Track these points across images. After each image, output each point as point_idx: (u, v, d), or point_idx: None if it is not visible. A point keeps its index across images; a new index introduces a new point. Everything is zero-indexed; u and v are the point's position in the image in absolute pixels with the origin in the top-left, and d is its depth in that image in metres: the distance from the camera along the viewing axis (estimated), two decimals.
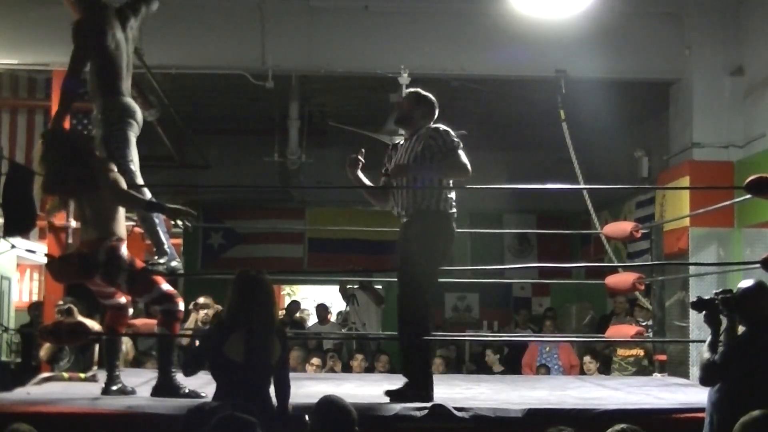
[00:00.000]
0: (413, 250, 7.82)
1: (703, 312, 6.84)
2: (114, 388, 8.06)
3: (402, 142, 8.13)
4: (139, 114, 8.23)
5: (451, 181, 7.94)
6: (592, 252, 15.97)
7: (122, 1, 8.55)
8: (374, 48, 12.84)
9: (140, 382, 8.52)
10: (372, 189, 8.36)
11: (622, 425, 4.70)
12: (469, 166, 7.81)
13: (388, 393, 7.63)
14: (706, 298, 6.81)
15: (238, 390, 6.22)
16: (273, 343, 6.41)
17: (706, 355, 6.63)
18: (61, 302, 10.59)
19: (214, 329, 7.03)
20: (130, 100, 8.21)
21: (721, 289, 6.77)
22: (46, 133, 8.29)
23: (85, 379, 9.15)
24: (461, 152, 7.80)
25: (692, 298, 11.63)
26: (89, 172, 7.77)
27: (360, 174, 8.25)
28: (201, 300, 12.54)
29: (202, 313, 12.38)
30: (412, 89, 8.26)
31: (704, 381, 6.65)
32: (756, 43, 12.24)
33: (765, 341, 6.52)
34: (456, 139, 7.82)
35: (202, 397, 7.52)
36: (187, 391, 7.81)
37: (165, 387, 7.87)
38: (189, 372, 7.03)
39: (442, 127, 7.91)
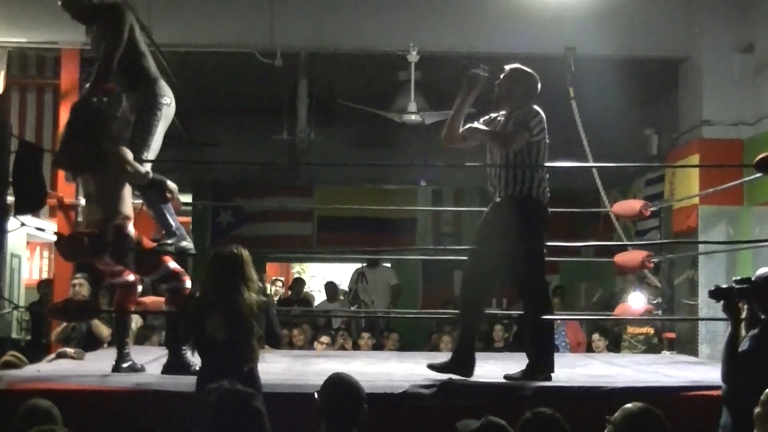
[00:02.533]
0: (506, 233, 7.78)
1: (721, 301, 6.59)
2: (124, 365, 8.10)
3: (500, 118, 8.07)
4: (173, 101, 8.25)
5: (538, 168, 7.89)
6: (601, 230, 15.96)
7: None
8: (383, 26, 12.84)
9: (149, 360, 8.56)
10: (460, 137, 8.19)
11: (639, 404, 4.68)
12: (512, 143, 7.79)
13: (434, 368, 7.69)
14: (724, 286, 6.54)
15: (222, 367, 6.22)
16: (255, 319, 6.42)
17: (728, 349, 6.37)
18: (78, 276, 10.63)
19: (192, 307, 7.01)
20: (165, 85, 8.24)
21: (739, 277, 6.64)
22: (74, 104, 8.34)
23: (73, 356, 9.16)
24: (524, 132, 7.76)
25: (701, 277, 11.76)
26: (99, 149, 7.80)
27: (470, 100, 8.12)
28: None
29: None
30: (513, 66, 8.15)
31: (727, 377, 6.36)
32: (766, 21, 12.21)
33: None
34: (534, 123, 7.80)
35: None
36: (197, 368, 7.83)
37: (175, 365, 7.90)
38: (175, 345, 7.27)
39: (535, 109, 7.89)
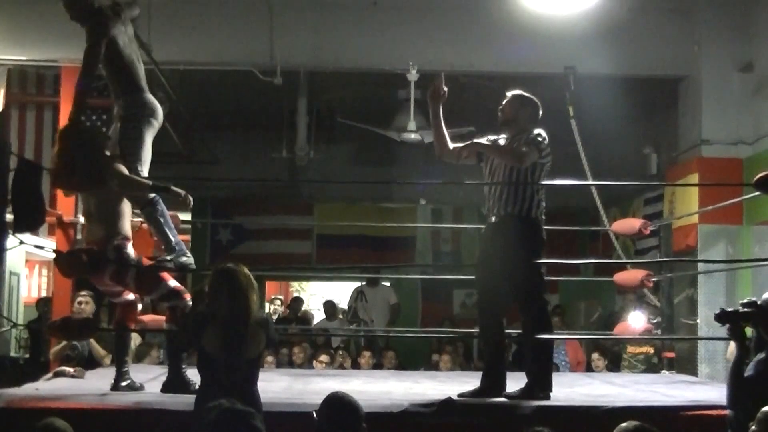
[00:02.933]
0: (505, 253, 7.84)
1: (727, 325, 6.48)
2: (123, 384, 8.09)
3: (502, 141, 8.09)
4: (159, 112, 8.19)
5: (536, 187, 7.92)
6: (600, 248, 15.97)
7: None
8: (383, 44, 12.86)
9: (148, 378, 8.55)
10: (453, 152, 8.23)
11: (635, 423, 4.69)
12: (524, 158, 7.80)
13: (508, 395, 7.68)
14: (730, 309, 6.46)
15: (221, 385, 6.20)
16: (255, 336, 6.38)
17: (734, 373, 6.26)
18: (83, 294, 10.61)
19: (189, 321, 7.00)
20: (151, 97, 8.21)
21: (745, 300, 6.61)
22: (64, 128, 8.31)
23: (74, 375, 9.15)
24: (535, 151, 7.81)
25: (700, 296, 11.76)
26: (97, 167, 7.80)
27: (440, 110, 8.16)
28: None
29: None
30: (515, 92, 8.20)
31: (733, 402, 6.26)
32: (766, 40, 12.23)
33: None
34: (544, 145, 7.86)
35: None
36: (196, 387, 7.82)
37: (175, 383, 7.89)
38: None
39: (543, 134, 7.93)
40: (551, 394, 7.68)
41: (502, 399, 7.60)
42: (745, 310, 6.33)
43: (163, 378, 8.13)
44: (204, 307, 6.70)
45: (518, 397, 7.59)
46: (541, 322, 7.93)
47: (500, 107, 8.13)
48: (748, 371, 6.20)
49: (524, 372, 7.94)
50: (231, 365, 6.28)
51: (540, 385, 7.67)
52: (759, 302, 6.37)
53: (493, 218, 7.98)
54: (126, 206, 8.06)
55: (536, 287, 7.95)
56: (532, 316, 7.93)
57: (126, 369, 8.26)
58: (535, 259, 7.89)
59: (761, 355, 6.23)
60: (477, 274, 8.28)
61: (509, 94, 8.19)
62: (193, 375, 7.97)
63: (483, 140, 8.16)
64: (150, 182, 7.90)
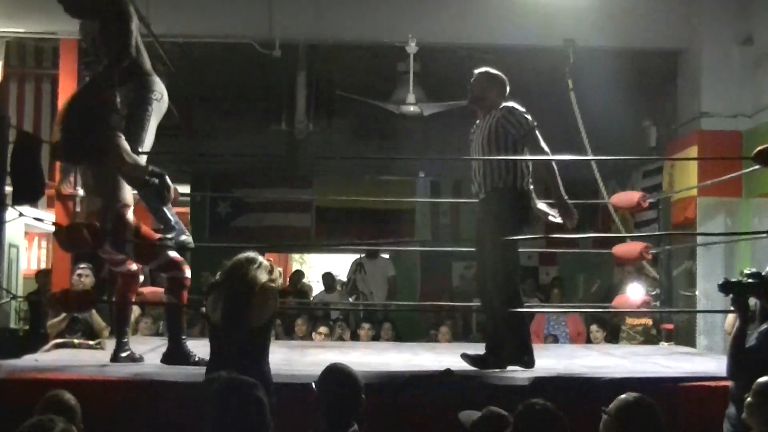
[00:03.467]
0: (489, 229, 7.98)
1: (730, 296, 6.49)
2: (123, 355, 8.14)
3: (478, 121, 8.22)
4: (166, 96, 8.28)
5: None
6: (599, 222, 15.98)
7: None
8: (382, 16, 12.85)
9: (147, 350, 8.59)
10: None
11: (635, 394, 4.70)
12: (547, 148, 8.00)
13: (469, 359, 7.82)
14: (734, 280, 6.48)
15: (219, 353, 6.26)
16: (260, 305, 6.34)
17: (735, 344, 6.29)
18: (82, 266, 10.62)
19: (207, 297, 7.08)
20: (159, 81, 8.25)
21: (749, 271, 6.59)
22: (71, 98, 8.36)
23: (93, 347, 9.21)
24: (537, 133, 7.96)
25: (699, 268, 11.79)
26: (99, 141, 7.82)
27: None
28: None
29: None
30: (482, 69, 8.31)
31: (733, 373, 6.30)
32: (766, 13, 12.22)
33: None
34: (530, 119, 7.99)
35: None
36: (197, 359, 7.85)
37: (175, 354, 7.94)
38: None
39: (516, 107, 8.05)
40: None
41: (498, 370, 7.62)
42: (750, 281, 6.34)
43: (163, 349, 8.17)
44: (216, 284, 6.74)
45: (475, 360, 7.75)
46: (513, 294, 8.03)
47: (469, 85, 8.23)
48: (750, 342, 6.24)
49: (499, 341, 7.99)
50: (232, 334, 6.26)
51: (506, 355, 7.82)
52: (763, 273, 6.40)
53: (483, 195, 8.10)
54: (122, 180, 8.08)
55: (510, 258, 8.01)
56: (501, 288, 7.98)
57: (126, 340, 8.31)
58: (516, 230, 8.01)
59: (764, 326, 6.26)
60: (476, 251, 8.39)
61: (476, 72, 8.31)
62: (193, 347, 8.04)
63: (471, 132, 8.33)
64: (147, 168, 7.92)
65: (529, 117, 8.01)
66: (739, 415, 5.94)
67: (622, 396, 4.69)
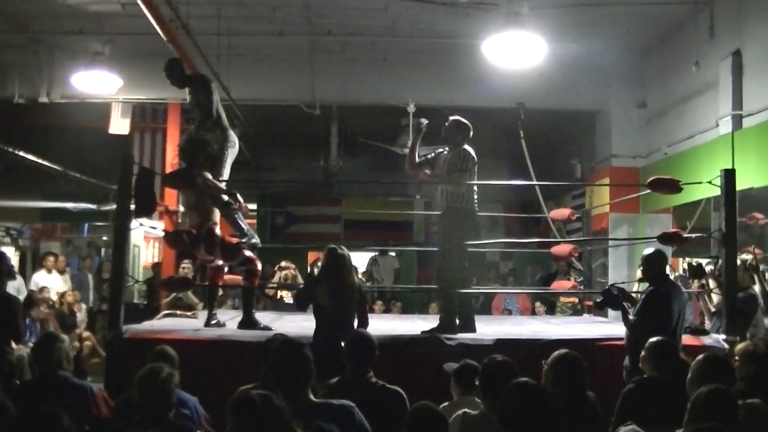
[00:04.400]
0: (448, 236, 7.84)
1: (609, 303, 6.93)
2: (213, 322, 8.17)
3: (444, 152, 7.99)
4: (237, 145, 8.33)
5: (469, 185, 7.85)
6: (541, 229, 15.97)
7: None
8: (390, 86, 12.94)
9: (227, 318, 8.61)
10: (417, 166, 8.17)
11: (564, 350, 4.73)
12: (458, 185, 7.75)
13: (430, 331, 7.63)
14: (599, 300, 7.13)
15: (328, 323, 6.42)
16: (352, 293, 6.60)
17: (625, 322, 6.72)
18: (186, 262, 10.64)
19: (308, 283, 7.12)
20: (234, 134, 8.32)
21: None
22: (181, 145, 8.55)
23: (190, 317, 9.25)
24: (465, 175, 7.73)
25: (610, 263, 11.75)
26: (192, 173, 7.91)
27: (418, 141, 8.10)
28: (283, 263, 12.61)
29: (284, 272, 12.45)
30: (455, 117, 8.06)
31: (628, 337, 6.64)
32: (655, 86, 12.28)
33: (662, 292, 6.60)
34: (474, 160, 7.78)
35: (272, 330, 7.58)
36: (262, 325, 7.90)
37: (247, 322, 7.98)
38: (299, 308, 7.52)
39: (469, 152, 7.84)
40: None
41: (470, 334, 7.59)
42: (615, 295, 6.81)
43: (238, 319, 8.20)
44: (317, 274, 6.87)
45: (434, 331, 7.58)
46: (461, 283, 7.91)
47: (443, 127, 8.01)
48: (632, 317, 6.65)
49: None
50: (334, 310, 6.49)
51: (450, 327, 7.66)
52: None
53: (440, 210, 7.99)
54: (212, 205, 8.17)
55: (456, 258, 7.84)
56: (452, 279, 7.85)
57: (214, 312, 8.35)
58: (469, 238, 7.83)
59: (637, 308, 6.66)
60: (438, 251, 8.18)
61: (451, 118, 8.07)
62: (259, 317, 8.07)
63: (431, 155, 8.13)
64: (224, 188, 8.00)
65: (473, 162, 7.78)
66: (630, 364, 6.26)
67: (557, 351, 4.71)
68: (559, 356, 4.66)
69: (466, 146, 7.90)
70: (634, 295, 7.11)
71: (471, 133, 8.00)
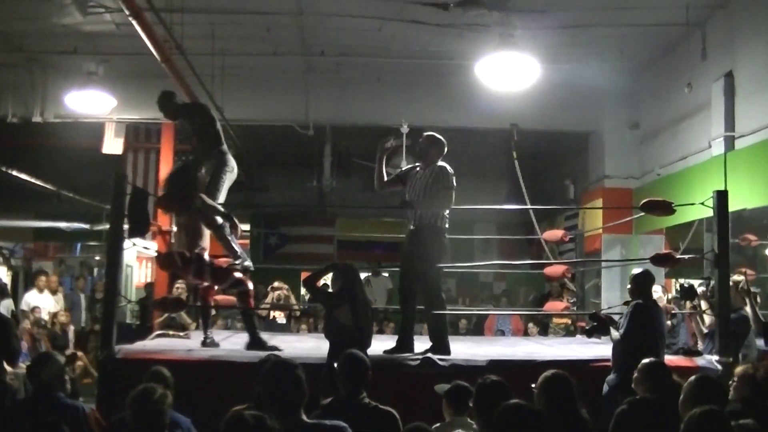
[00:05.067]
0: (418, 253, 7.68)
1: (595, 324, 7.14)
2: (208, 342, 8.18)
3: (418, 169, 7.88)
4: (235, 169, 8.36)
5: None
6: (534, 250, 15.99)
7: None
8: (383, 107, 12.98)
9: (220, 339, 8.59)
10: (386, 184, 8.10)
11: (553, 371, 4.73)
12: (449, 203, 7.70)
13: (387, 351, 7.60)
14: (588, 327, 7.30)
15: (348, 344, 6.29)
16: (370, 310, 6.73)
17: (613, 343, 6.86)
18: (179, 282, 10.64)
19: (325, 296, 7.04)
20: (232, 159, 8.35)
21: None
22: (171, 172, 8.59)
23: (182, 337, 9.23)
24: (452, 192, 7.66)
25: (603, 283, 11.79)
26: (188, 198, 7.93)
27: (384, 159, 8.04)
28: (276, 284, 12.61)
29: (276, 293, 12.44)
30: (429, 133, 7.98)
31: (620, 350, 6.73)
32: (648, 107, 12.34)
33: (647, 305, 6.82)
34: (452, 180, 7.66)
35: (280, 350, 7.55)
36: (269, 345, 7.89)
37: (254, 343, 7.98)
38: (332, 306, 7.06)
39: (447, 168, 7.73)
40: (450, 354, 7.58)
41: (461, 357, 7.55)
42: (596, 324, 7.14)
43: (231, 339, 8.19)
44: (336, 291, 6.78)
45: (425, 353, 7.48)
46: (436, 302, 7.77)
47: (417, 143, 7.97)
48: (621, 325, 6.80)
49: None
50: (358, 330, 6.48)
51: (440, 348, 7.56)
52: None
53: (411, 226, 7.82)
54: (204, 230, 8.18)
55: (435, 278, 7.78)
56: (431, 298, 7.78)
57: (210, 332, 8.38)
58: (439, 256, 7.74)
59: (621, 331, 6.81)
60: (401, 267, 7.99)
61: (424, 134, 8.01)
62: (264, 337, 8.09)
63: (403, 170, 8.18)
64: (221, 210, 8.02)
65: (453, 179, 7.66)
66: (615, 378, 6.52)
67: (545, 373, 4.71)
68: (547, 378, 4.68)
69: (441, 162, 7.80)
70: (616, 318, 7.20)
71: (445, 149, 7.89)
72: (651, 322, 6.71)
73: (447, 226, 7.81)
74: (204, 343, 8.17)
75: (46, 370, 5.40)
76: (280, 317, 12.36)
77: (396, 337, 8.06)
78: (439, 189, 7.66)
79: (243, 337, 8.82)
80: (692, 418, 3.76)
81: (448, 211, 7.80)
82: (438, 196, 7.65)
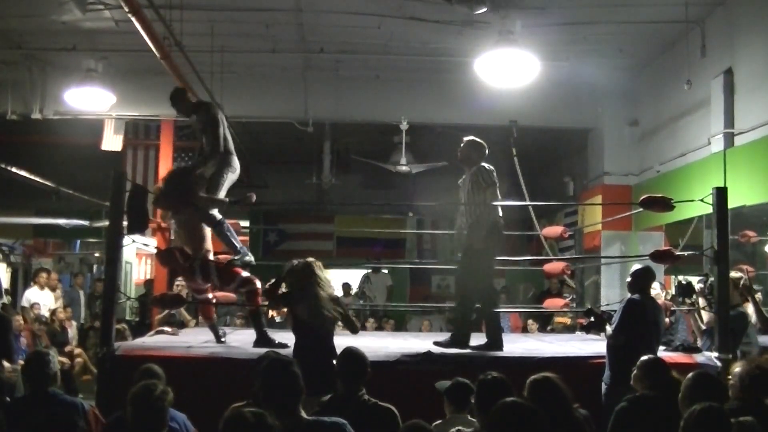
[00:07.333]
0: (475, 250, 7.82)
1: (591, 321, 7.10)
2: (222, 339, 8.37)
3: (465, 176, 8.04)
4: (238, 170, 8.37)
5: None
6: (534, 247, 15.99)
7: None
8: (383, 104, 12.95)
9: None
10: None
11: (543, 374, 4.65)
12: (494, 198, 7.84)
13: (439, 344, 7.70)
14: (585, 323, 7.26)
15: (308, 339, 6.39)
16: (330, 306, 6.57)
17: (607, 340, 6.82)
18: (179, 279, 10.65)
19: (281, 298, 7.16)
20: (236, 160, 8.34)
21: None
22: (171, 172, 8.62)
23: (171, 333, 9.26)
24: (495, 188, 7.83)
25: (602, 280, 11.77)
26: (187, 194, 7.92)
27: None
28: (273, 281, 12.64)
29: None
30: (468, 137, 8.15)
31: (612, 345, 6.73)
32: (647, 104, 12.31)
33: (642, 301, 6.81)
34: (494, 176, 7.84)
35: (288, 347, 7.54)
36: (277, 342, 7.88)
37: (262, 340, 7.97)
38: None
39: (487, 167, 7.89)
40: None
41: (467, 350, 7.60)
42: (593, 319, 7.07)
43: (231, 336, 8.19)
44: (292, 287, 6.82)
45: (481, 349, 7.62)
46: (492, 299, 7.99)
47: (459, 149, 8.10)
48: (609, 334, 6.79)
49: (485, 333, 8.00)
50: (315, 327, 6.46)
51: (496, 345, 7.71)
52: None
53: (465, 231, 7.96)
54: (205, 230, 8.19)
55: (490, 276, 7.97)
56: (487, 295, 7.95)
57: (217, 329, 8.44)
58: (493, 253, 7.90)
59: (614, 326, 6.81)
60: (458, 267, 8.22)
61: (465, 138, 8.14)
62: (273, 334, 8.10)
63: (460, 181, 8.16)
64: (225, 199, 8.04)
65: (494, 174, 7.86)
66: (610, 376, 6.53)
67: (533, 376, 4.63)
68: (532, 382, 4.59)
69: (484, 164, 7.96)
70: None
71: (486, 151, 8.08)
72: (643, 318, 6.71)
73: (502, 221, 7.95)
74: (218, 340, 8.35)
75: (40, 368, 5.39)
76: (277, 316, 12.35)
77: (396, 335, 8.04)
78: (481, 187, 7.82)
79: (242, 335, 8.83)
80: (692, 415, 3.75)
81: (499, 208, 7.91)
82: (482, 194, 7.81)
